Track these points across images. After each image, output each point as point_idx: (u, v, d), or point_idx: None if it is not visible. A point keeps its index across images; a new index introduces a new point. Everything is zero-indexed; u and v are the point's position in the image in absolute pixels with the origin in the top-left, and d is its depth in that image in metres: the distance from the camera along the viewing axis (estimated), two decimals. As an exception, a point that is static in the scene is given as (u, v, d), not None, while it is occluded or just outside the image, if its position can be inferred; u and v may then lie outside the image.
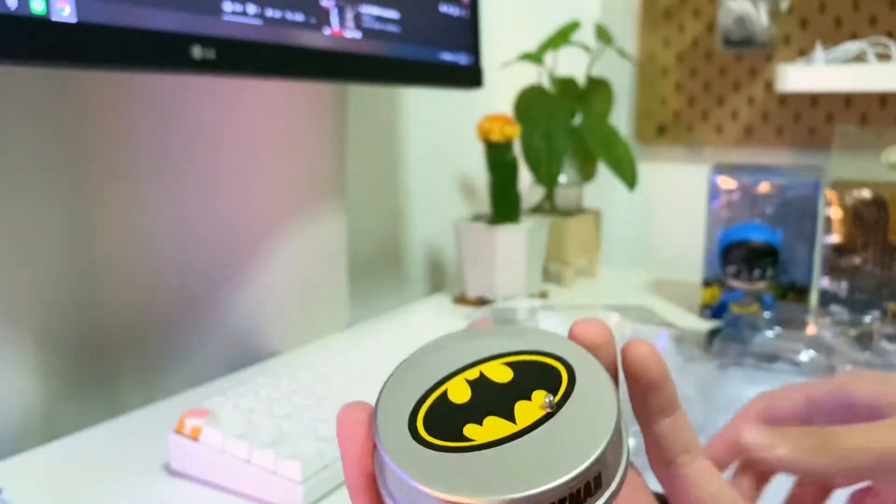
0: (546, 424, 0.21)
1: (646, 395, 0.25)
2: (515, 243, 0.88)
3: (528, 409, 0.22)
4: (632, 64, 1.13)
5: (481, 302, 0.90)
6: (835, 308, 0.79)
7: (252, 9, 0.51)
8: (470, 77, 0.77)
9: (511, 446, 0.21)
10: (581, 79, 1.05)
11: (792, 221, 0.81)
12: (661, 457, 0.26)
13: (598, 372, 0.23)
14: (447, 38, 0.71)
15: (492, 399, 0.22)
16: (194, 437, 0.46)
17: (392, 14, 0.64)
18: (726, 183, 0.82)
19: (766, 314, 0.74)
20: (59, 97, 0.59)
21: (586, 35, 1.05)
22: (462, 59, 0.74)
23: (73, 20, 0.41)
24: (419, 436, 0.21)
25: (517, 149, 0.90)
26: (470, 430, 0.21)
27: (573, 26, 1.01)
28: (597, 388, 0.22)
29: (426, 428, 0.21)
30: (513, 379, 0.23)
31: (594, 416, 0.21)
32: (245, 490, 0.45)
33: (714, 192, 0.82)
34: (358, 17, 0.61)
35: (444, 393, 0.23)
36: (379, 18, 0.63)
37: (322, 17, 0.57)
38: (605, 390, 0.22)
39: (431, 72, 0.70)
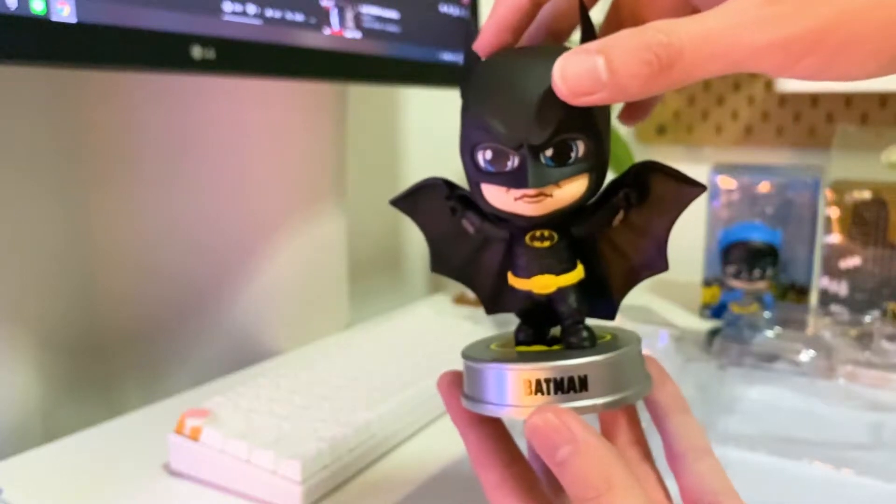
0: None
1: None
2: (515, 243, 0.87)
3: None
4: (632, 64, 1.13)
5: (481, 302, 0.89)
6: (835, 308, 0.79)
7: (252, 9, 0.51)
8: (470, 77, 0.76)
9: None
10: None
11: (792, 221, 0.81)
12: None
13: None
14: (447, 38, 0.71)
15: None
16: (194, 437, 0.46)
17: (392, 14, 0.64)
18: (726, 183, 0.82)
19: (766, 314, 0.74)
20: (59, 97, 0.59)
21: (586, 35, 1.05)
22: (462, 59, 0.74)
23: (73, 20, 0.41)
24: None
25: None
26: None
27: (573, 26, 1.01)
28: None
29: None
30: None
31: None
32: (245, 490, 0.45)
33: (714, 191, 0.82)
34: (358, 17, 0.61)
35: None
36: (379, 18, 0.63)
37: (322, 17, 0.57)
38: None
39: (431, 72, 0.70)
